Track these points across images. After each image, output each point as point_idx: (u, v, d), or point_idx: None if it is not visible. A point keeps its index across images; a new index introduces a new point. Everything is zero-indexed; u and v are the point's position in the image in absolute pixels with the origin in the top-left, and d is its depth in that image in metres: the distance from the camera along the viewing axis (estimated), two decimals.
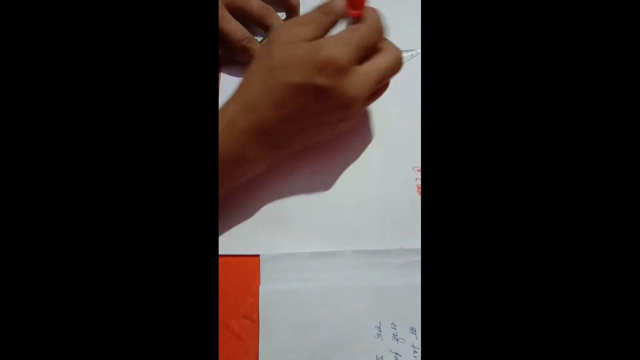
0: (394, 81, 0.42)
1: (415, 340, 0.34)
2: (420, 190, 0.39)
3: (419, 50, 0.44)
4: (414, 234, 0.37)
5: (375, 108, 0.42)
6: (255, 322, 0.34)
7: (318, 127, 0.36)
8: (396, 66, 0.35)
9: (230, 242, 0.37)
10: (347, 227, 0.37)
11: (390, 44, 0.36)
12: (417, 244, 0.36)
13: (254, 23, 0.43)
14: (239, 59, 0.43)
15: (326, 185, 0.39)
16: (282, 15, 0.45)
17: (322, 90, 0.32)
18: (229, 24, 0.41)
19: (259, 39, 0.44)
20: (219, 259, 0.36)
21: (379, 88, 0.36)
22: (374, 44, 0.34)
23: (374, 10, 0.35)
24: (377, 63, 0.34)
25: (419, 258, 0.36)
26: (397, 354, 0.33)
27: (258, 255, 0.36)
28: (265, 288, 0.35)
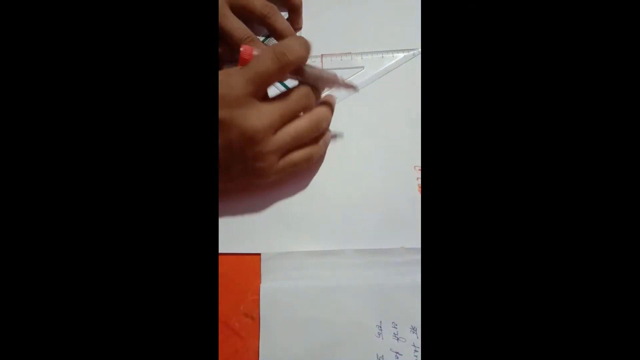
0: (394, 81, 0.43)
1: (416, 340, 0.34)
2: (421, 189, 0.39)
3: (419, 50, 0.44)
4: (415, 233, 0.37)
5: (376, 107, 0.42)
6: (255, 320, 0.34)
7: (231, 165, 0.34)
8: (308, 102, 0.35)
9: (231, 241, 0.37)
10: (348, 226, 0.37)
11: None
12: (418, 243, 0.36)
13: (257, 22, 0.42)
14: None
15: (327, 184, 0.39)
16: (285, 14, 0.45)
17: (221, 123, 0.32)
18: (231, 23, 0.41)
19: (262, 38, 0.44)
20: (221, 257, 0.36)
21: (304, 158, 0.36)
22: (271, 82, 0.34)
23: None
24: (283, 101, 0.34)
25: (420, 257, 0.36)
26: (397, 353, 0.33)
27: (259, 254, 0.36)
28: (266, 286, 0.35)
